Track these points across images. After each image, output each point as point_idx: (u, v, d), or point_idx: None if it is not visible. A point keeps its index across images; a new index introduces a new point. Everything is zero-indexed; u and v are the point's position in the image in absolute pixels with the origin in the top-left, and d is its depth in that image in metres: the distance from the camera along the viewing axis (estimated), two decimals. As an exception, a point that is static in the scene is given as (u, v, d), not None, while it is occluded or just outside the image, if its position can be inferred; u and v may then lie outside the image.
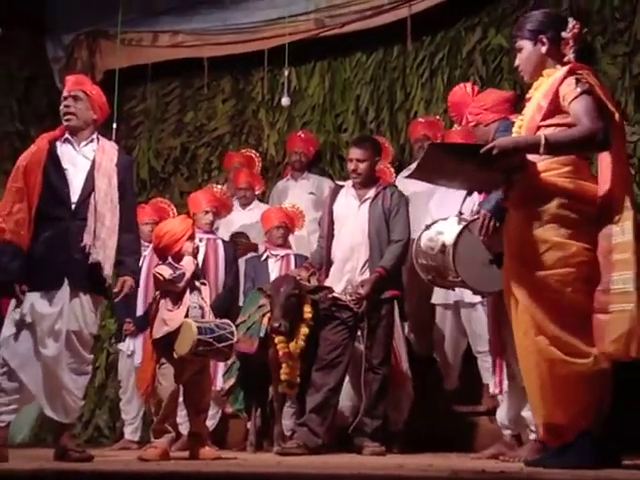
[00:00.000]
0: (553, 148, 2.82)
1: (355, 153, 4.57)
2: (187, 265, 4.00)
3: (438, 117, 5.84)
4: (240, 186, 6.07)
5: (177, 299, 3.99)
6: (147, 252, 5.61)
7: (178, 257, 4.07)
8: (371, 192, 4.55)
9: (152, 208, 5.91)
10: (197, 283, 4.09)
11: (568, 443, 2.84)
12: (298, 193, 6.04)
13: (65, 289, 3.69)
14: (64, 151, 3.84)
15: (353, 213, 4.55)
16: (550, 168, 2.91)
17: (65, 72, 7.11)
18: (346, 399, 4.73)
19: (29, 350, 3.68)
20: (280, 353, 4.38)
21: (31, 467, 3.38)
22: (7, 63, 7.22)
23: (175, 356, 3.88)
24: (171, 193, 6.90)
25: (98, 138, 3.93)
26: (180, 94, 7.20)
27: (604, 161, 2.91)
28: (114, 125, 6.42)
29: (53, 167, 3.78)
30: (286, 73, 6.23)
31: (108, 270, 3.76)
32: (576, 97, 2.85)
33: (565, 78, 2.90)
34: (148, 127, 7.25)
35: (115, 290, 3.86)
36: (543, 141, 2.80)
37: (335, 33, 6.38)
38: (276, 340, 4.40)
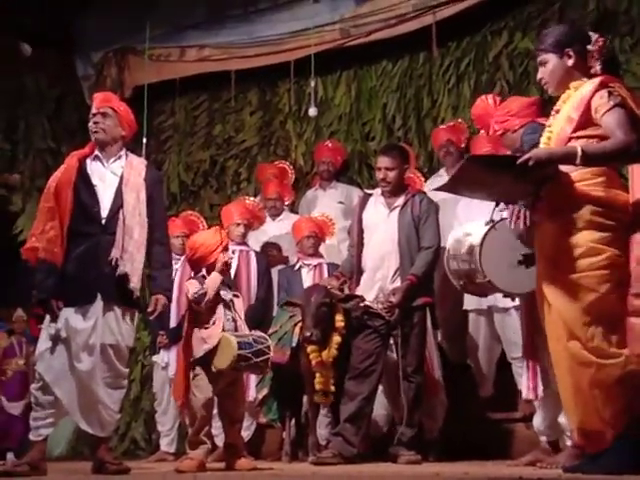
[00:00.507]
0: (589, 159, 2.85)
1: (384, 162, 4.56)
2: (211, 282, 3.98)
3: (460, 120, 5.81)
4: (269, 197, 6.10)
5: (210, 315, 3.99)
6: (178, 265, 5.67)
7: (212, 269, 4.09)
8: (400, 200, 4.54)
9: (182, 221, 5.97)
10: (230, 295, 4.10)
11: (606, 448, 2.80)
12: (327, 202, 6.05)
13: (98, 303, 3.73)
14: (93, 168, 3.90)
15: (383, 221, 4.54)
16: (584, 178, 2.92)
17: (95, 89, 7.21)
18: (380, 408, 4.72)
19: (64, 365, 3.72)
20: (313, 362, 4.39)
21: (69, 480, 3.42)
22: (37, 82, 7.35)
23: (214, 370, 3.88)
24: (201, 206, 6.95)
25: (127, 154, 3.99)
26: (208, 107, 7.25)
27: (636, 171, 2.94)
28: (144, 140, 6.51)
29: (83, 184, 3.84)
30: (312, 83, 6.25)
31: (135, 282, 3.80)
32: (609, 110, 2.88)
33: (597, 91, 2.92)
34: (177, 141, 7.32)
35: (149, 309, 3.89)
36: (580, 152, 2.83)
37: (360, 42, 6.38)
38: (309, 350, 4.40)
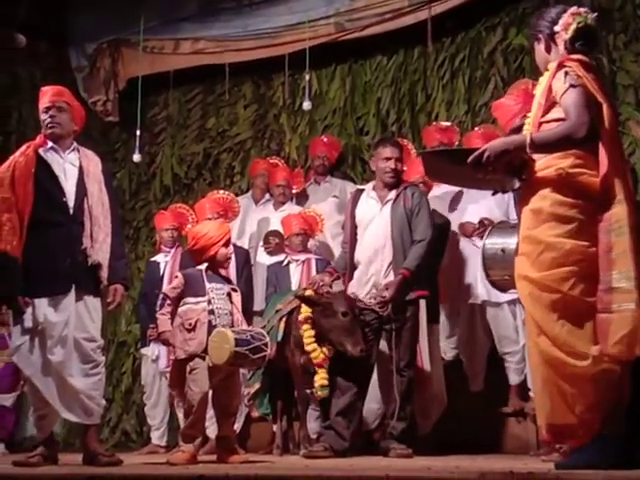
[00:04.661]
0: (537, 147, 2.80)
1: (395, 152, 4.56)
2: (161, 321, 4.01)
3: (450, 123, 5.76)
4: (278, 183, 6.00)
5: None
6: (169, 257, 5.68)
7: (212, 262, 4.08)
8: (392, 194, 4.53)
9: (172, 214, 5.96)
10: (227, 289, 4.09)
11: (588, 444, 2.77)
12: (322, 197, 6.04)
13: (72, 294, 3.72)
14: (51, 159, 3.87)
15: (375, 215, 4.54)
16: (550, 165, 2.85)
17: (89, 81, 7.22)
18: (372, 402, 4.72)
19: (41, 357, 3.71)
20: (318, 360, 4.35)
21: (62, 472, 3.42)
22: (31, 73, 7.32)
23: (210, 364, 3.88)
24: (194, 198, 6.91)
25: (78, 147, 3.97)
26: (202, 100, 7.23)
27: (600, 152, 2.83)
28: (137, 132, 6.50)
29: (46, 174, 3.81)
30: (307, 77, 6.24)
31: (105, 272, 3.81)
32: (565, 91, 2.82)
33: (556, 72, 2.87)
34: (171, 133, 7.30)
35: (108, 300, 3.88)
36: (528, 140, 2.79)
37: (355, 36, 6.38)
38: (309, 348, 4.38)
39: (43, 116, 3.93)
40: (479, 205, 4.80)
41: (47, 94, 3.99)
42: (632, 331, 2.69)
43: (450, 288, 4.96)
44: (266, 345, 3.92)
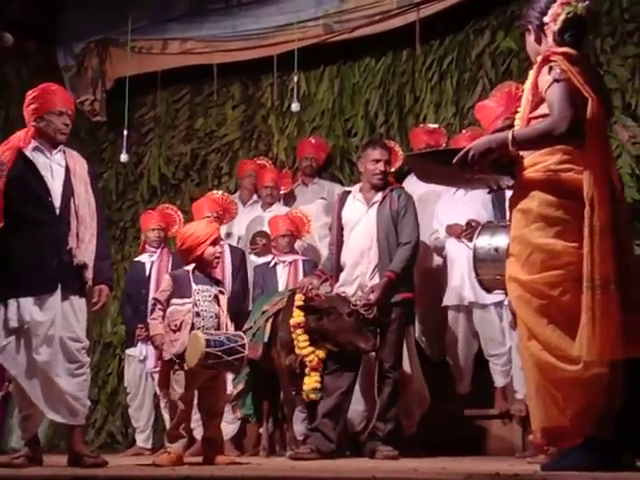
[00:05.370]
0: (520, 143, 2.77)
1: (384, 154, 4.58)
2: (153, 326, 3.99)
3: (437, 125, 5.75)
4: (266, 184, 5.97)
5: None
6: (154, 257, 5.66)
7: (201, 262, 4.06)
8: (378, 196, 4.55)
9: (159, 214, 5.94)
10: (215, 291, 4.07)
11: (574, 446, 2.75)
12: (309, 198, 6.04)
13: (57, 294, 3.72)
14: (36, 159, 3.84)
15: (361, 218, 4.55)
16: (537, 162, 2.82)
17: (76, 80, 7.19)
18: (357, 403, 4.73)
19: (26, 357, 3.70)
20: (313, 363, 4.38)
21: (45, 473, 3.41)
22: (19, 72, 7.28)
23: (185, 367, 3.87)
24: (182, 199, 6.93)
25: (64, 149, 3.95)
26: (190, 101, 7.22)
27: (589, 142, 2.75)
28: (125, 132, 6.48)
29: (31, 174, 3.79)
30: (295, 79, 6.24)
31: (90, 272, 3.80)
32: (549, 86, 2.77)
33: (541, 67, 2.83)
34: (158, 134, 7.28)
35: (94, 300, 3.87)
36: (510, 138, 2.76)
37: (344, 38, 6.38)
38: (304, 352, 4.40)
39: (54, 118, 3.86)
40: (466, 207, 4.82)
41: (59, 96, 3.95)
42: (582, 333, 2.66)
43: (436, 290, 4.98)
44: (243, 347, 3.87)
